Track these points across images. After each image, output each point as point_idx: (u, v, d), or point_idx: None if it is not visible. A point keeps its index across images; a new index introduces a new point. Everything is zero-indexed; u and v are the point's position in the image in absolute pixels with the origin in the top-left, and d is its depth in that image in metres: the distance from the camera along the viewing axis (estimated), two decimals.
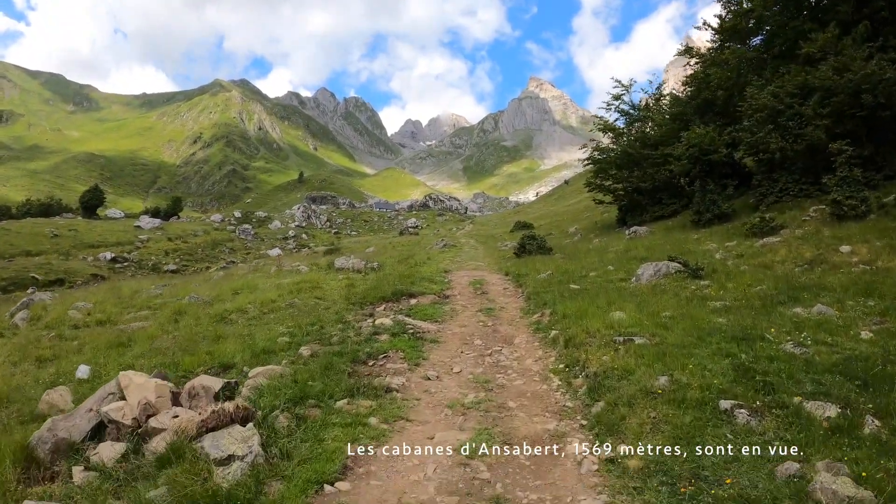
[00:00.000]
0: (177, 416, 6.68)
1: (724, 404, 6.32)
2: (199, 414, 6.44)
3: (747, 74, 29.32)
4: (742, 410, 6.16)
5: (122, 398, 7.63)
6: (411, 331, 12.05)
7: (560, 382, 8.69)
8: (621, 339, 9.08)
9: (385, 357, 10.19)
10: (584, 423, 7.09)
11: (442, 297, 17.16)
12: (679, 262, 15.38)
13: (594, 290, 14.59)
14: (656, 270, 15.28)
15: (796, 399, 6.33)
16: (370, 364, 9.84)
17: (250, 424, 6.32)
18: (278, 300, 16.64)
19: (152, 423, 6.81)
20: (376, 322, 12.66)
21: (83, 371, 10.76)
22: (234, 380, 8.22)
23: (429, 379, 9.19)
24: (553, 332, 11.23)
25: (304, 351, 10.21)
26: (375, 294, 16.34)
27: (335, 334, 11.71)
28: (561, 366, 9.37)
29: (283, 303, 16.17)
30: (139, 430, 6.88)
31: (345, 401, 7.75)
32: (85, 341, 14.39)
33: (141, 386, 7.44)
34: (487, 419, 7.38)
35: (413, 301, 16.17)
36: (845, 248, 15.54)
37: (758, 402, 6.36)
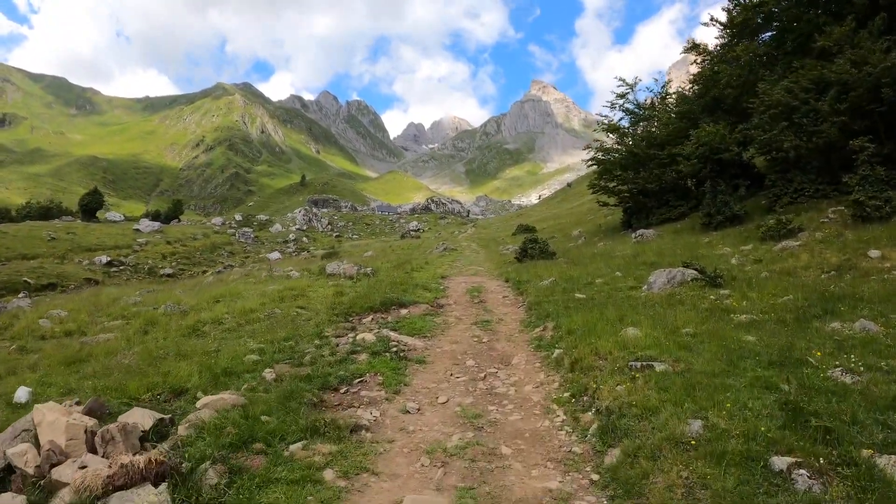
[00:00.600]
0: (84, 468, 5.32)
1: (778, 462, 4.88)
2: (110, 466, 5.08)
3: (758, 71, 27.99)
4: (802, 471, 4.73)
5: (37, 437, 6.33)
6: (395, 349, 10.65)
7: (565, 417, 7.31)
8: (638, 364, 7.63)
9: (361, 382, 8.81)
10: (596, 478, 5.67)
11: (435, 306, 15.83)
12: (695, 269, 13.97)
13: (602, 300, 13.22)
14: (670, 278, 13.88)
15: (866, 452, 4.94)
16: (342, 391, 8.45)
17: (163, 485, 4.94)
18: (259, 310, 15.28)
19: (56, 474, 5.50)
20: (357, 338, 11.25)
21: (22, 394, 9.37)
22: (169, 416, 6.87)
23: (408, 412, 7.77)
24: (557, 351, 9.82)
25: (268, 374, 8.80)
26: (363, 304, 14.98)
27: (309, 352, 10.30)
28: (566, 394, 7.99)
29: (263, 313, 14.79)
30: (42, 482, 5.55)
31: (300, 444, 6.33)
32: (45, 355, 13.09)
33: (52, 424, 6.13)
34: (473, 473, 5.93)
35: (403, 311, 14.83)
36: (874, 253, 14.19)
37: (820, 460, 4.90)
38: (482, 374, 9.43)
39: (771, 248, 17.51)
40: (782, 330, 9.17)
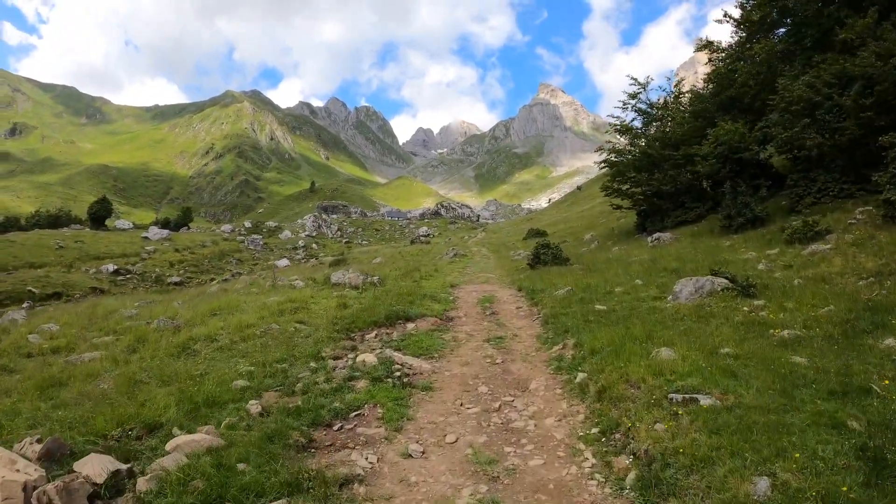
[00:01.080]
0: None
1: None
2: None
3: (776, 67, 26.95)
4: None
5: None
6: (398, 373, 9.55)
7: (595, 461, 6.23)
8: (679, 396, 6.53)
9: (358, 415, 7.74)
10: None
11: (445, 319, 14.85)
12: (725, 278, 12.89)
13: (625, 313, 12.18)
14: (698, 287, 12.77)
15: None
16: (335, 428, 7.38)
17: None
18: (256, 324, 14.26)
19: None
20: (357, 359, 10.19)
21: None
22: (128, 465, 5.86)
23: (410, 456, 6.66)
24: (580, 376, 8.71)
25: (253, 407, 7.75)
26: (367, 317, 13.97)
27: (302, 377, 9.26)
28: (594, 431, 6.92)
29: (260, 329, 13.76)
30: None
31: None
32: (24, 377, 12.12)
33: None
34: None
35: (410, 326, 13.83)
36: None
37: None
38: (496, 404, 8.34)
39: (799, 252, 16.44)
40: (831, 348, 8.17)
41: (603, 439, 6.68)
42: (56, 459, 6.55)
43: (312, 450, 6.69)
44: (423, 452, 6.80)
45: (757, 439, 5.33)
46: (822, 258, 15.15)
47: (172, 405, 8.04)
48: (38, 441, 7.08)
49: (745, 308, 11.16)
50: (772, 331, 9.38)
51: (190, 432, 7.09)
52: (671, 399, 6.58)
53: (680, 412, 6.22)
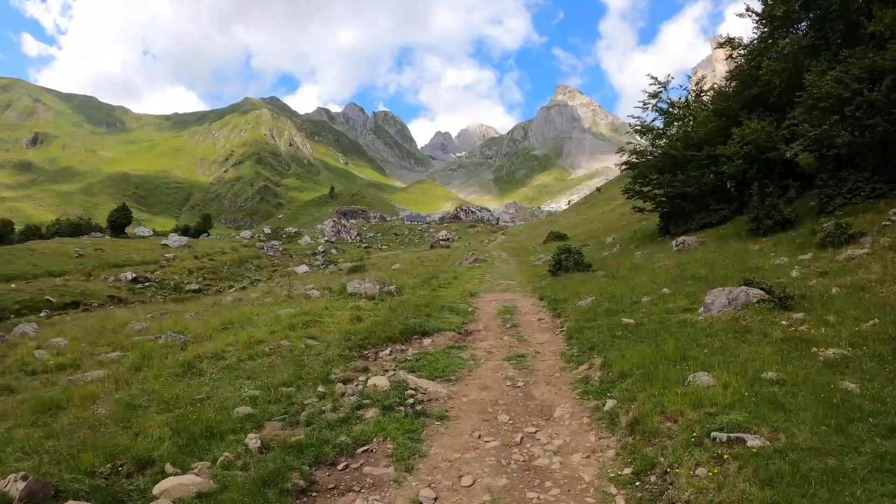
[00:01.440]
0: None
1: None
2: None
3: (803, 63, 26.04)
4: None
5: None
6: (411, 399, 8.82)
7: None
8: (723, 436, 5.76)
9: (366, 451, 7.06)
10: None
11: (463, 333, 14.19)
12: (761, 289, 12.09)
13: (654, 327, 11.44)
14: (731, 299, 11.96)
15: None
16: (340, 467, 6.69)
17: None
18: (266, 340, 13.66)
19: None
20: (369, 383, 9.49)
21: None
22: None
23: None
24: (609, 403, 7.93)
25: (252, 441, 7.07)
26: (381, 332, 13.33)
27: (308, 404, 8.61)
28: (626, 471, 6.16)
29: (270, 345, 13.13)
30: None
31: None
32: (24, 399, 11.58)
33: None
34: None
35: (426, 341, 13.19)
36: None
37: None
38: (518, 437, 7.58)
39: (834, 258, 15.50)
40: (883, 371, 7.44)
41: (637, 483, 5.93)
42: (39, 501, 6.05)
43: (313, 493, 6.04)
44: (436, 499, 6.04)
45: (816, 493, 4.62)
46: (858, 264, 14.28)
47: (167, 438, 7.44)
48: (24, 479, 6.58)
49: (783, 322, 10.39)
50: (815, 349, 8.61)
51: (183, 469, 6.53)
52: (714, 438, 5.84)
53: (725, 455, 5.47)
